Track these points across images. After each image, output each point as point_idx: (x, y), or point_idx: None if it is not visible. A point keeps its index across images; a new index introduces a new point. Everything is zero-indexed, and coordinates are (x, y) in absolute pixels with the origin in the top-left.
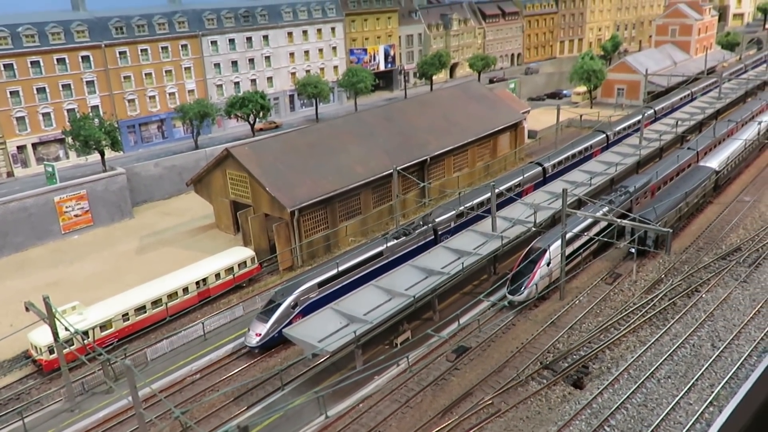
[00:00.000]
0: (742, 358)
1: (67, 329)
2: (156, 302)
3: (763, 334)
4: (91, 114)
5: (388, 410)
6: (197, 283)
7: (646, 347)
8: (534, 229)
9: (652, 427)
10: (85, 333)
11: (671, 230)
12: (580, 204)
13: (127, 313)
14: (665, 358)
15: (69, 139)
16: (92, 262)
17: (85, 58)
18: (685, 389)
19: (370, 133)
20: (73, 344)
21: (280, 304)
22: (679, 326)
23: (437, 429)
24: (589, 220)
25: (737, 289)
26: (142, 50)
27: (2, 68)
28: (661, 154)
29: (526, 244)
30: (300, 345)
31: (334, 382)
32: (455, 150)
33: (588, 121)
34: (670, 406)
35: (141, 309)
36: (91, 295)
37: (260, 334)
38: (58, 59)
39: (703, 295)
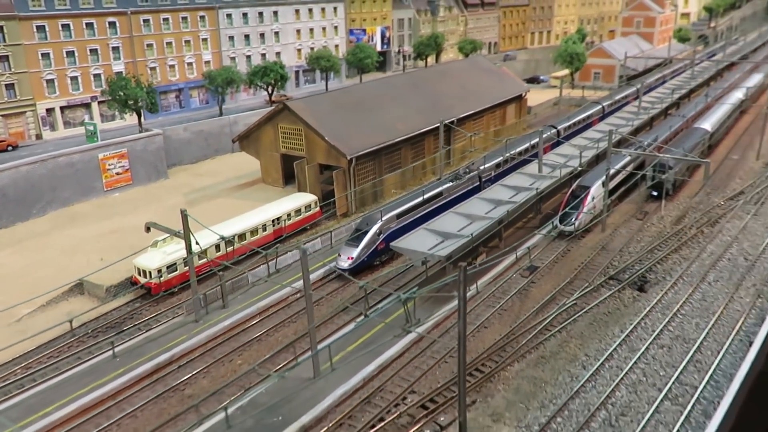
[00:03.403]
0: None
1: (197, 243)
2: (255, 231)
3: None
4: (130, 76)
5: (486, 312)
6: (273, 221)
7: (690, 262)
8: (579, 168)
9: (717, 314)
10: (217, 246)
11: (709, 161)
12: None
13: (244, 234)
14: (709, 269)
15: (94, 104)
16: (145, 214)
17: (112, 24)
18: (735, 289)
19: (402, 96)
20: (176, 269)
21: (367, 232)
22: (712, 246)
23: (536, 322)
24: (626, 159)
25: (751, 220)
26: (164, 19)
27: (35, 30)
28: (651, 122)
29: (565, 185)
30: (409, 255)
31: (434, 286)
32: (474, 115)
33: (574, 99)
34: (727, 300)
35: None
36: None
37: (352, 258)
38: (87, 24)
39: (725, 225)
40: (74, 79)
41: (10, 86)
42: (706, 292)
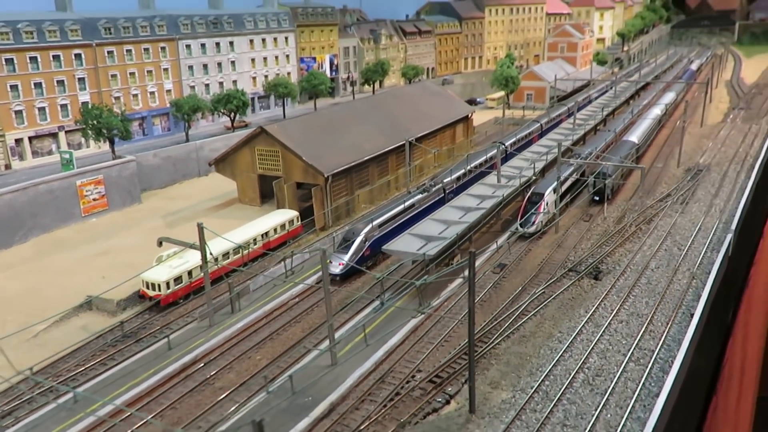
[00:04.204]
0: (701, 254)
1: (211, 252)
2: (247, 245)
3: (708, 241)
4: (102, 105)
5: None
6: (262, 235)
7: (633, 254)
8: (534, 178)
9: (662, 293)
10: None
11: (645, 167)
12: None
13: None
14: (650, 259)
15: (62, 133)
16: (129, 237)
17: (78, 56)
18: (673, 273)
19: (365, 119)
20: (182, 281)
21: (354, 241)
22: (650, 240)
23: (514, 308)
24: (570, 169)
25: (679, 217)
26: (127, 50)
27: (4, 63)
28: (584, 137)
29: (519, 194)
30: (401, 256)
31: (444, 272)
32: (429, 134)
33: (511, 119)
34: (669, 282)
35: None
36: (153, 256)
37: (343, 264)
38: (53, 56)
39: (659, 222)
40: (42, 109)
41: None
42: (650, 277)
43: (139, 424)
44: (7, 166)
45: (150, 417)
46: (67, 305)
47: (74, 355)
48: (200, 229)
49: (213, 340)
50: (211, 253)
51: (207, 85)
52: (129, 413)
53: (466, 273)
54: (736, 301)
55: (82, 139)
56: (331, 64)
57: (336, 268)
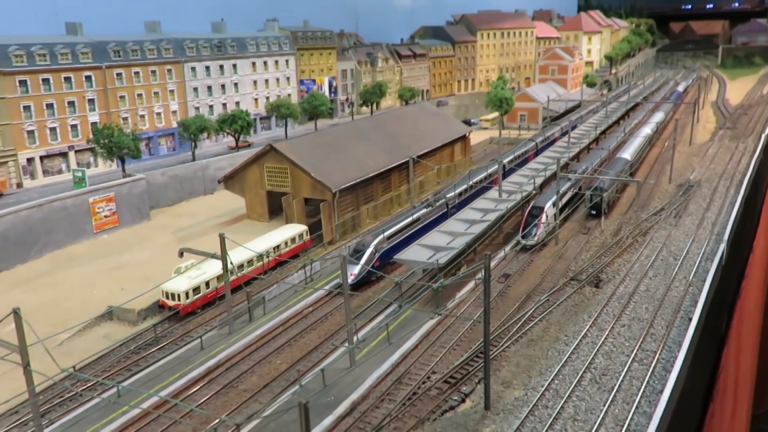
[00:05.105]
0: (697, 263)
1: (231, 262)
2: (260, 257)
3: (702, 251)
4: (113, 125)
5: (477, 311)
6: (274, 248)
7: (631, 264)
8: (534, 192)
9: (661, 300)
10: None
11: (641, 180)
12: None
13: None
14: (648, 268)
15: (71, 152)
16: (141, 252)
17: (88, 78)
18: (670, 281)
19: (367, 137)
20: (200, 291)
21: (365, 252)
22: (647, 251)
23: (521, 314)
24: (568, 184)
25: (673, 230)
26: (135, 73)
27: (18, 84)
28: (578, 155)
29: (519, 208)
30: (412, 265)
31: (460, 275)
32: (429, 153)
33: (507, 138)
34: (666, 289)
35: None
36: (167, 269)
37: (354, 274)
38: (65, 78)
39: (654, 234)
40: (53, 129)
41: None
42: (649, 284)
43: (183, 413)
44: (19, 185)
45: (194, 406)
46: (88, 316)
47: (99, 362)
48: (222, 239)
49: (233, 346)
50: (231, 263)
51: (211, 106)
52: (174, 404)
53: (479, 276)
54: (729, 309)
55: (91, 159)
56: (330, 86)
57: (347, 279)
